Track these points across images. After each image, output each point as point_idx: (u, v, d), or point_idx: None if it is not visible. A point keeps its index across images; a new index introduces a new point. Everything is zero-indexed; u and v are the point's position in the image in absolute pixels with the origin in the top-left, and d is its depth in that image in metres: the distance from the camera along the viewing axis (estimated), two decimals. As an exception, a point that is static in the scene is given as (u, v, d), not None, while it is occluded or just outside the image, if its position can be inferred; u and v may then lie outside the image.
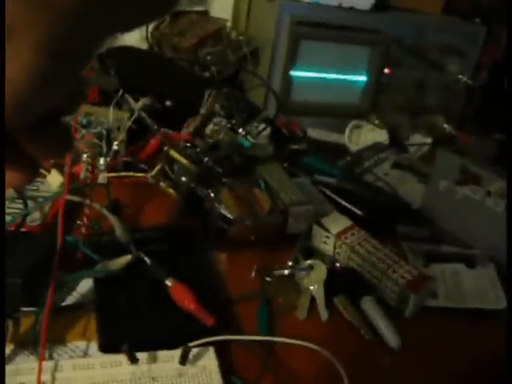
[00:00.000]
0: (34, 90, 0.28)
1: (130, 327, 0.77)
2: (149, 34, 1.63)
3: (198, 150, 1.15)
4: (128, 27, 0.31)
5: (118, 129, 1.17)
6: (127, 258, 0.85)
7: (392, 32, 1.59)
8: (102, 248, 0.88)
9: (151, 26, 1.63)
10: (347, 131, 1.54)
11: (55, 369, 0.68)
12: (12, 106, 0.27)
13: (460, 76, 1.71)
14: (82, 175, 1.09)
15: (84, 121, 1.16)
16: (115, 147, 1.14)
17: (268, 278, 0.93)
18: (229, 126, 1.25)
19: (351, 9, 1.54)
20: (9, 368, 0.68)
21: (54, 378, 0.67)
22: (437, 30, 1.65)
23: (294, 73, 1.54)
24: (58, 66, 0.28)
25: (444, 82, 1.72)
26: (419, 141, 1.60)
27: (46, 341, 0.70)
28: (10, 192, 0.99)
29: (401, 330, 0.86)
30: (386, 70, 1.62)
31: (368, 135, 1.54)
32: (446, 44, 1.67)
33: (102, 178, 1.08)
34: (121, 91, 1.22)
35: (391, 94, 1.66)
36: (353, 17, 1.54)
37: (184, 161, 1.10)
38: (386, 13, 1.61)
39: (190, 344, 0.72)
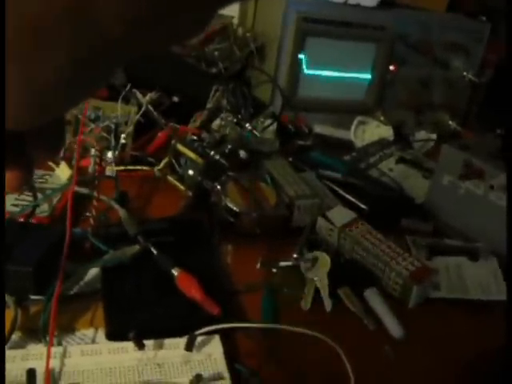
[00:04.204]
0: (57, 94, 0.29)
1: (136, 316, 0.78)
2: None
3: (205, 144, 1.17)
4: (157, 49, 0.33)
5: (126, 123, 1.18)
6: (135, 248, 0.87)
7: (397, 29, 1.60)
8: (110, 239, 0.89)
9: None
10: (352, 127, 1.55)
11: (64, 354, 0.70)
12: (30, 105, 0.29)
13: (465, 73, 1.72)
14: (90, 169, 1.11)
15: (92, 115, 1.18)
16: (123, 141, 1.15)
17: (273, 270, 0.94)
18: (235, 121, 1.26)
19: (357, 6, 1.55)
20: (18, 353, 0.69)
21: (62, 364, 0.69)
22: (442, 27, 1.66)
23: (299, 69, 1.55)
24: (85, 78, 0.29)
25: (449, 78, 1.73)
26: (424, 137, 1.61)
27: (54, 327, 0.72)
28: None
29: (404, 320, 0.87)
30: (392, 67, 1.63)
31: (373, 131, 1.55)
32: (450, 41, 1.68)
33: (110, 170, 1.10)
34: (129, 85, 1.24)
35: (396, 91, 1.67)
36: (359, 14, 1.55)
37: (191, 154, 1.11)
38: (392, 10, 1.62)
39: (196, 332, 0.73)
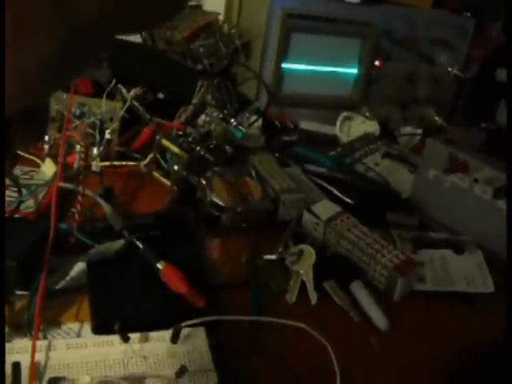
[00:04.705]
0: (42, 79, 0.30)
1: (122, 309, 0.78)
2: (142, 28, 1.64)
3: (190, 139, 1.17)
4: (134, 32, 0.35)
5: (111, 119, 1.18)
6: (120, 242, 0.86)
7: (382, 25, 1.60)
8: (96, 234, 0.89)
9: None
10: (338, 123, 1.55)
11: (49, 348, 0.70)
12: (18, 88, 0.30)
13: (450, 68, 1.73)
14: (75, 165, 1.10)
15: (78, 111, 1.18)
16: (108, 136, 1.15)
17: (259, 263, 0.94)
18: (220, 116, 1.26)
19: (342, 1, 1.56)
20: (3, 348, 0.69)
21: (47, 357, 0.69)
22: (427, 23, 1.67)
23: (285, 65, 1.55)
24: (67, 64, 0.31)
25: (434, 74, 1.74)
26: (410, 132, 1.62)
27: (39, 322, 0.71)
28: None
29: (389, 313, 0.87)
30: (377, 63, 1.63)
31: (359, 127, 1.55)
32: (436, 37, 1.69)
33: (95, 166, 1.09)
34: (114, 81, 1.23)
35: (382, 86, 1.67)
36: (344, 9, 1.56)
37: (176, 150, 1.11)
38: (377, 6, 1.62)
39: (182, 324, 0.73)
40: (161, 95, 1.36)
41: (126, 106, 1.19)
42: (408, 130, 1.63)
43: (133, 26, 0.33)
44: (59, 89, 0.35)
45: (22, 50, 0.28)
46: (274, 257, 0.94)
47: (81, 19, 0.28)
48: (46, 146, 1.16)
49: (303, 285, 0.90)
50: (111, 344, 0.71)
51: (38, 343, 0.69)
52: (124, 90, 1.23)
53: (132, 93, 1.23)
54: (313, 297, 0.88)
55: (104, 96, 1.19)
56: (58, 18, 0.28)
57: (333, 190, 1.18)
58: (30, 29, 0.28)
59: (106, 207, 0.93)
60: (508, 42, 1.68)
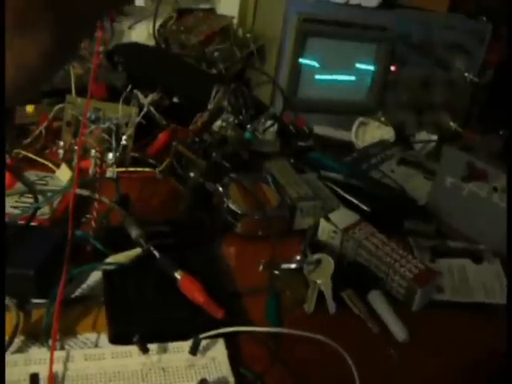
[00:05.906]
0: (43, 70, 0.33)
1: (139, 319, 0.78)
2: (156, 32, 1.63)
3: (206, 145, 1.16)
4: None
5: (127, 124, 1.18)
6: (136, 251, 0.86)
7: (398, 29, 1.59)
8: (112, 241, 0.88)
9: (158, 24, 1.64)
10: (353, 128, 1.54)
11: (67, 359, 0.69)
12: (23, 84, 0.32)
13: (466, 74, 1.72)
14: (90, 170, 1.10)
15: (93, 116, 1.17)
16: (124, 142, 1.15)
17: (276, 272, 0.93)
18: (236, 122, 1.26)
19: (358, 6, 1.55)
20: (20, 358, 0.69)
21: (65, 368, 0.68)
22: (443, 28, 1.66)
23: (300, 70, 1.54)
24: (63, 53, 0.33)
25: (450, 79, 1.73)
26: (425, 138, 1.61)
27: (57, 332, 0.71)
28: (19, 186, 1.00)
29: (408, 323, 0.86)
30: (392, 68, 1.62)
31: (374, 133, 1.55)
32: (452, 41, 1.68)
33: (111, 172, 1.09)
34: (129, 86, 1.23)
35: (397, 92, 1.66)
36: (360, 14, 1.55)
37: (192, 156, 1.11)
38: (393, 10, 1.62)
39: (201, 335, 0.72)
40: (176, 99, 1.35)
41: (142, 113, 1.19)
42: (423, 135, 1.62)
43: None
44: (56, 72, 0.38)
45: (24, 49, 0.30)
46: (292, 266, 0.93)
47: (70, 14, 0.30)
48: (61, 151, 1.16)
49: (321, 294, 0.89)
50: (130, 355, 0.71)
51: (56, 354, 0.68)
52: (140, 96, 1.22)
53: (149, 98, 1.22)
54: (331, 307, 0.87)
55: (120, 101, 1.18)
56: (51, 16, 0.29)
57: (349, 197, 1.17)
58: (30, 27, 0.29)
59: (123, 214, 0.92)
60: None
